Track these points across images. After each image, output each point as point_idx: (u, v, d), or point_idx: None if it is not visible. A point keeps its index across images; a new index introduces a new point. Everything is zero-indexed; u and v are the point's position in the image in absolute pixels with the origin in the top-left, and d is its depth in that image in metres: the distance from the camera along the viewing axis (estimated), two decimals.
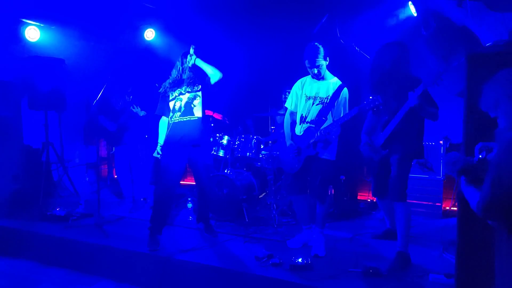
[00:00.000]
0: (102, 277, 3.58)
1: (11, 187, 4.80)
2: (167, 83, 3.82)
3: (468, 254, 2.38)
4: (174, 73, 3.82)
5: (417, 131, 3.22)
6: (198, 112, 3.71)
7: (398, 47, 3.22)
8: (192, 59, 3.68)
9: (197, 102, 3.72)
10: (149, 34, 6.16)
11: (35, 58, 5.27)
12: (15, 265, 3.92)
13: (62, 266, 3.81)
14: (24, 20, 5.43)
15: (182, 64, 3.77)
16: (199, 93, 3.74)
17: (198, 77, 3.76)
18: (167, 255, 3.39)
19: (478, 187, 1.68)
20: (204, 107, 3.76)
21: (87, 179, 6.49)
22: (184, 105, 3.70)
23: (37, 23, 5.53)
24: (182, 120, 3.67)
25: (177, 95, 3.74)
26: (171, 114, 3.75)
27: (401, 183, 3.15)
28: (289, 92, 4.95)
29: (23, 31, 5.40)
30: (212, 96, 3.87)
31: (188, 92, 3.72)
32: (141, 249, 3.49)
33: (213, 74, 3.68)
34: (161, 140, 3.80)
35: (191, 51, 3.70)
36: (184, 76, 3.76)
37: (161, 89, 3.84)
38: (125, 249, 3.58)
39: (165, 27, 6.17)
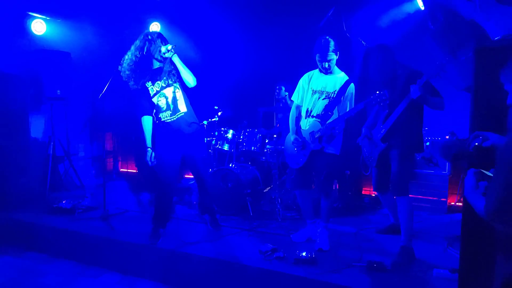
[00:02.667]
0: (108, 269, 3.62)
1: (18, 179, 4.84)
2: (141, 78, 3.45)
3: (473, 250, 2.38)
4: (135, 58, 3.40)
5: (417, 124, 3.21)
6: (182, 107, 3.55)
7: (388, 49, 3.26)
8: (170, 54, 3.33)
9: (179, 95, 3.54)
10: (155, 28, 6.15)
11: (41, 52, 5.31)
12: (21, 257, 3.96)
13: (68, 258, 3.85)
14: (30, 13, 5.44)
15: (151, 50, 3.40)
16: (177, 85, 3.52)
17: (176, 70, 3.48)
18: (171, 248, 3.41)
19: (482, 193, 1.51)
20: (187, 97, 3.61)
21: (93, 172, 6.53)
22: (172, 102, 3.51)
23: (43, 17, 5.54)
24: (173, 119, 3.53)
25: (158, 89, 3.49)
26: (155, 111, 3.54)
27: (402, 177, 3.14)
28: (279, 88, 4.98)
29: (30, 25, 5.41)
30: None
31: (169, 85, 3.49)
32: (146, 242, 3.51)
33: (188, 81, 3.41)
34: (149, 142, 3.59)
35: (170, 47, 3.33)
36: (166, 68, 3.44)
37: (130, 82, 3.46)
38: (130, 241, 3.61)
39: (170, 21, 6.15)
